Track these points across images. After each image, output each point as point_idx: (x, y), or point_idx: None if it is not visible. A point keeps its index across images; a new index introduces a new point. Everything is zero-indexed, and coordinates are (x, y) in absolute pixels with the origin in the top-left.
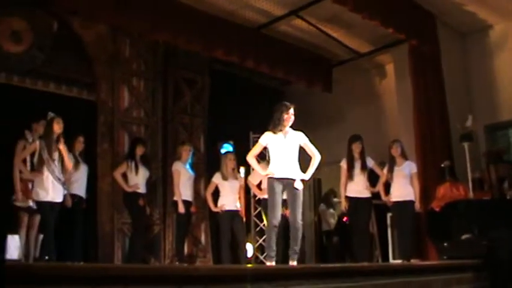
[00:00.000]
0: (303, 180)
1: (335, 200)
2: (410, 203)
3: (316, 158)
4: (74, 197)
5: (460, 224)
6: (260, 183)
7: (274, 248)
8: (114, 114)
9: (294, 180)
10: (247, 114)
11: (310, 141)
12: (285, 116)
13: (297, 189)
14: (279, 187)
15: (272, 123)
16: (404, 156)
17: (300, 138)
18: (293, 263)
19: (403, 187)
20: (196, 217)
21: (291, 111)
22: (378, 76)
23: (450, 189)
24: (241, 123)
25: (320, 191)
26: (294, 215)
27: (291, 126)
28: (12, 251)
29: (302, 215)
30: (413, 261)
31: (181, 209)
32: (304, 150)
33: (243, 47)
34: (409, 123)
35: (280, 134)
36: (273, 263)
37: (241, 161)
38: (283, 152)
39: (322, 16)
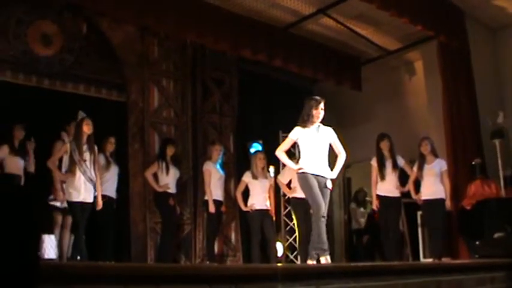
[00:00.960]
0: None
1: (367, 199)
2: (441, 201)
3: (342, 156)
4: (103, 197)
5: (491, 222)
6: (290, 182)
7: (326, 240)
8: (144, 114)
9: (325, 178)
10: (276, 113)
11: (339, 139)
12: (314, 112)
13: (327, 188)
14: (313, 179)
15: (301, 119)
16: (435, 153)
17: (330, 135)
18: (312, 262)
19: (433, 185)
20: (226, 216)
21: (321, 105)
22: (407, 73)
23: (481, 187)
24: (270, 122)
25: (350, 189)
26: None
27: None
28: (49, 251)
29: (332, 214)
30: (444, 260)
31: (212, 208)
32: (331, 147)
33: (271, 46)
34: (439, 120)
35: (311, 128)
36: (328, 257)
37: (271, 160)
38: (315, 147)
39: (350, 14)
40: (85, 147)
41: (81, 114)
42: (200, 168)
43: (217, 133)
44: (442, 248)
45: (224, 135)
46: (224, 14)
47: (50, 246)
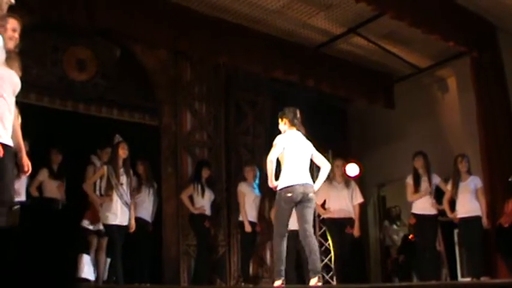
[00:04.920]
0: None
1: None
2: (478, 218)
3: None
4: (139, 220)
5: None
6: (324, 202)
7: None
8: (177, 137)
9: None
10: (309, 133)
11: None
12: None
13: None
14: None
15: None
16: (469, 171)
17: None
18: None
19: (469, 202)
20: (261, 237)
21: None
22: (440, 90)
23: None
24: None
25: (385, 208)
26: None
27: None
28: (84, 269)
29: (367, 233)
30: (483, 279)
31: (247, 228)
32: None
33: (303, 66)
34: (473, 137)
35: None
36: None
37: None
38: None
39: (381, 32)
40: (121, 170)
41: (117, 138)
42: (233, 190)
43: (250, 154)
44: (481, 267)
45: (257, 156)
46: (256, 36)
47: (86, 265)
